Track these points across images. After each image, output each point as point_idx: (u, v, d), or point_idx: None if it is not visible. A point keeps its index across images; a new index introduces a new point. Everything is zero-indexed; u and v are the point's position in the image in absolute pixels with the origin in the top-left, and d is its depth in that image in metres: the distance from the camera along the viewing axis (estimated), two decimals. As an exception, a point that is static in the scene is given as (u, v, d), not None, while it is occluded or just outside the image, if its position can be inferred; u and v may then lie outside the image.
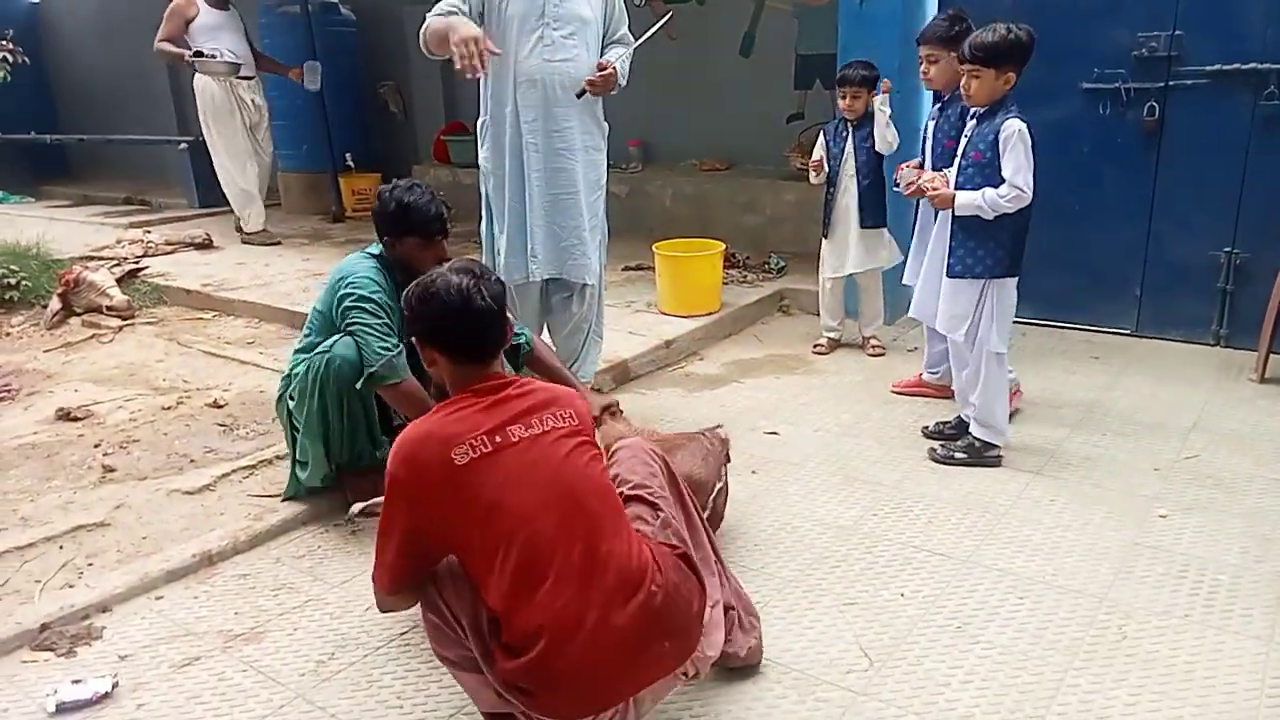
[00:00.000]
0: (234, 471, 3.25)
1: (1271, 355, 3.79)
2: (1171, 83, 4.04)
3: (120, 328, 5.08)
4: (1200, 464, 3.12)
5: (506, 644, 1.70)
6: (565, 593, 1.67)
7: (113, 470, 3.30)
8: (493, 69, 3.25)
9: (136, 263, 5.96)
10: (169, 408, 3.91)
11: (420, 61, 7.82)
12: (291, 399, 2.86)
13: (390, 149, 8.19)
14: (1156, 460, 3.16)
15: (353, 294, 2.71)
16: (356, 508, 2.35)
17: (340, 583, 2.59)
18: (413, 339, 1.89)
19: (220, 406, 3.94)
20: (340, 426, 2.83)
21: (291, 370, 2.89)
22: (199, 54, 6.34)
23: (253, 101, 6.60)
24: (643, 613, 1.71)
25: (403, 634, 2.33)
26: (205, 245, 6.70)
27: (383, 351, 2.66)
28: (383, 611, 1.91)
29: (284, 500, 2.99)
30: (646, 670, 1.74)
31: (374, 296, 2.70)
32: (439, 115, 7.82)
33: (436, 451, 1.70)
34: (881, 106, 3.96)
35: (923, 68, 3.46)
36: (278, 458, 3.33)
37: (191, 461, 3.40)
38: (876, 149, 4.02)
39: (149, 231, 6.96)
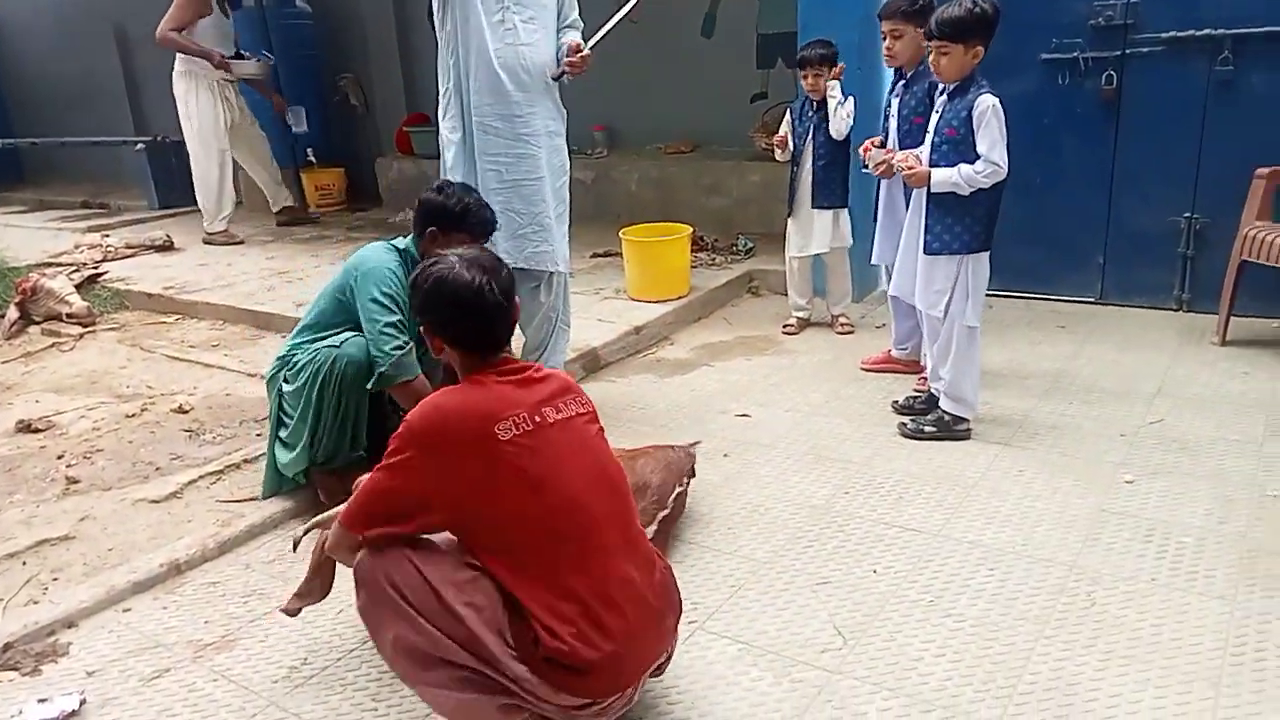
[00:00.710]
0: (201, 478, 3.21)
1: (1232, 318, 3.84)
2: (1128, 51, 4.06)
3: (81, 335, 4.99)
4: (1165, 428, 3.15)
5: (547, 626, 1.68)
6: (612, 568, 1.75)
7: (76, 481, 3.25)
8: (458, 46, 3.24)
9: (95, 268, 5.87)
10: (133, 415, 3.85)
11: (380, 53, 7.76)
12: (287, 382, 2.86)
13: (352, 142, 8.09)
14: (1122, 426, 3.19)
15: (368, 287, 2.74)
16: (299, 531, 2.29)
17: (312, 585, 2.56)
18: (421, 323, 1.89)
19: (185, 412, 3.88)
20: (331, 423, 2.83)
21: (289, 353, 2.89)
22: (239, 55, 6.60)
23: (235, 101, 6.62)
24: (661, 588, 1.85)
25: (376, 634, 2.31)
26: (166, 247, 6.60)
27: (393, 352, 2.68)
28: (330, 552, 1.93)
29: (265, 497, 2.98)
30: (659, 642, 1.84)
31: (391, 291, 2.72)
32: (400, 107, 7.72)
33: (478, 424, 1.70)
34: (832, 92, 3.95)
35: (886, 44, 3.45)
36: (245, 461, 3.30)
37: (157, 469, 3.35)
38: (831, 133, 4.02)
39: (107, 235, 6.86)
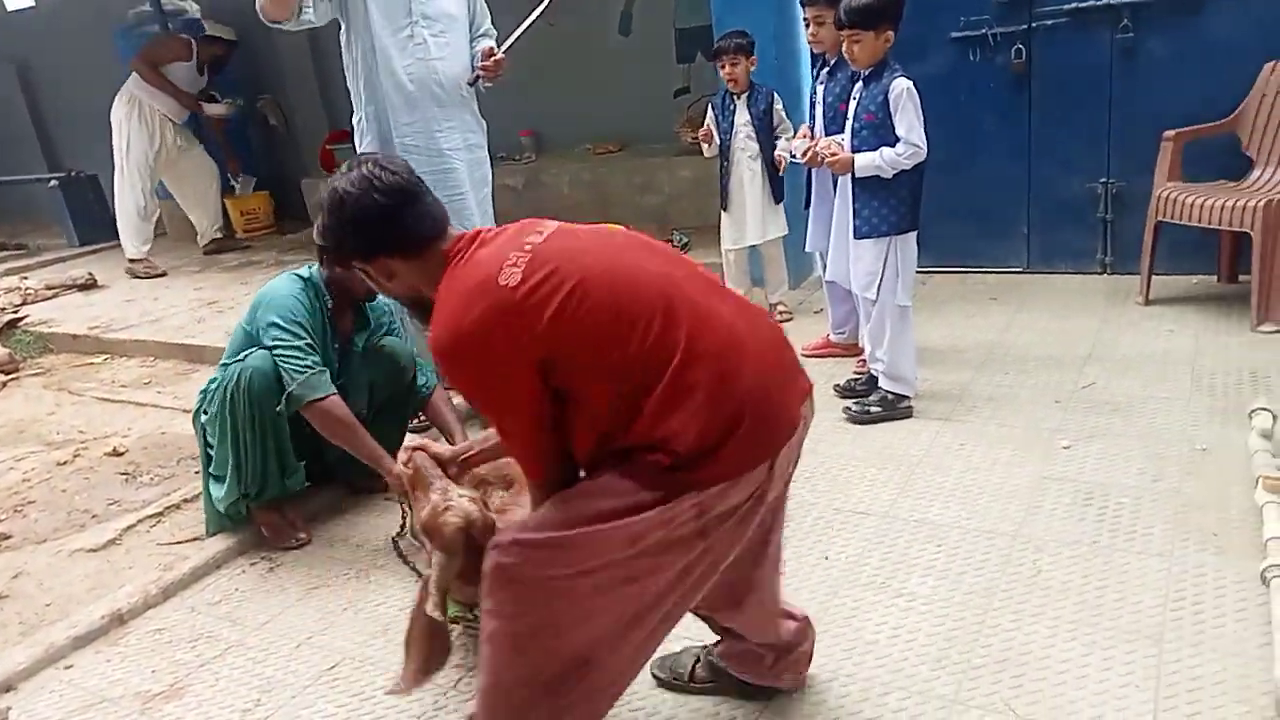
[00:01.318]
0: (140, 522, 3.13)
1: (1153, 278, 3.95)
2: (1034, 24, 4.15)
3: (4, 383, 4.83)
4: (1097, 391, 3.23)
5: (671, 450, 1.45)
6: (720, 322, 1.52)
7: (8, 537, 3.15)
8: (366, 69, 3.18)
9: (15, 312, 5.68)
10: (65, 462, 3.74)
11: (296, 72, 7.60)
12: (204, 414, 2.81)
13: (275, 164, 7.92)
14: (1057, 393, 3.27)
15: (272, 316, 2.68)
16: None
17: (261, 624, 2.50)
18: (359, 266, 1.71)
19: (120, 454, 3.78)
20: (251, 444, 2.73)
21: (207, 386, 2.84)
22: (212, 98, 6.76)
23: (172, 137, 6.57)
24: (778, 335, 1.64)
25: (331, 669, 2.27)
26: (89, 285, 6.42)
27: (302, 369, 2.62)
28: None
29: (210, 535, 2.91)
30: (795, 399, 1.59)
31: (296, 318, 2.67)
32: (321, 125, 7.58)
33: (480, 291, 1.47)
34: (784, 136, 3.97)
35: (810, 30, 3.46)
36: (185, 501, 3.22)
37: (94, 517, 3.26)
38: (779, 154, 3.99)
39: (25, 278, 6.65)
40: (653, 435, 1.46)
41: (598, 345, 1.47)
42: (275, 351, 2.65)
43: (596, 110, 6.50)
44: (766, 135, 4.04)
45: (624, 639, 1.54)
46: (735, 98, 4.05)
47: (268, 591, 2.66)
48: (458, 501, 1.89)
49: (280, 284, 2.77)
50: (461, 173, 3.32)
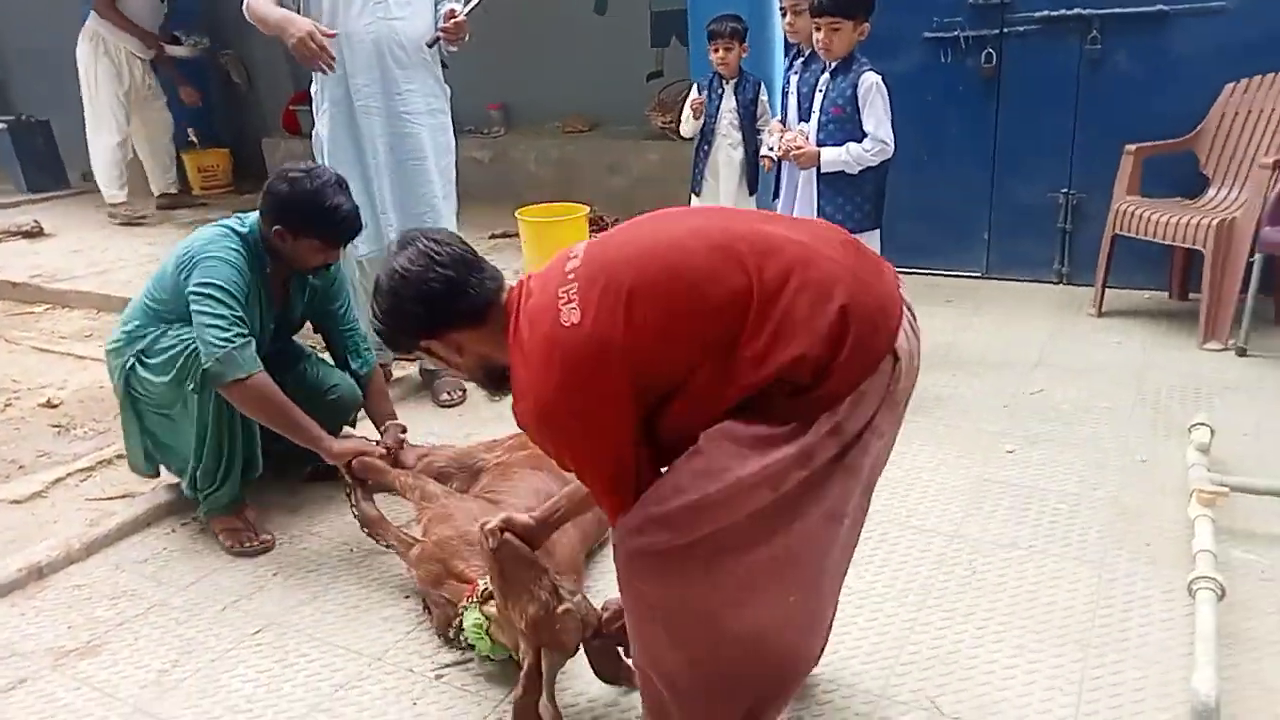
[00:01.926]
0: (69, 475, 3.04)
1: (1107, 290, 4.00)
2: (1006, 29, 4.17)
3: (-63, 328, 4.66)
4: (1043, 398, 3.27)
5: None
6: (781, 241, 1.44)
7: (-73, 485, 3.03)
8: (324, 25, 3.06)
9: (-46, 256, 5.47)
10: (-6, 411, 3.62)
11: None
12: (141, 363, 2.50)
13: (236, 122, 7.74)
14: (1004, 397, 3.29)
15: (201, 279, 2.37)
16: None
17: (187, 585, 2.44)
18: (423, 346, 1.63)
19: (54, 406, 3.66)
20: (216, 448, 2.50)
21: (142, 329, 2.53)
22: (174, 39, 6.49)
23: (141, 76, 6.34)
24: (844, 235, 1.56)
25: (255, 633, 2.22)
26: (35, 233, 6.20)
27: (222, 343, 2.31)
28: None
29: (151, 475, 2.76)
30: (889, 284, 1.48)
31: (226, 285, 2.37)
32: (285, 84, 7.41)
33: (546, 346, 1.42)
34: (770, 136, 3.72)
35: (787, 20, 3.41)
36: (119, 457, 3.11)
37: (21, 468, 3.16)
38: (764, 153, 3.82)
39: (-33, 222, 6.40)
40: (761, 377, 1.38)
41: (676, 326, 1.39)
42: (195, 318, 2.37)
43: (568, 88, 6.43)
44: (750, 125, 3.92)
45: (793, 606, 1.49)
46: (724, 82, 3.90)
47: (197, 552, 2.60)
48: (572, 601, 1.76)
49: (209, 241, 2.46)
50: (422, 137, 3.24)
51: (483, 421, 3.31)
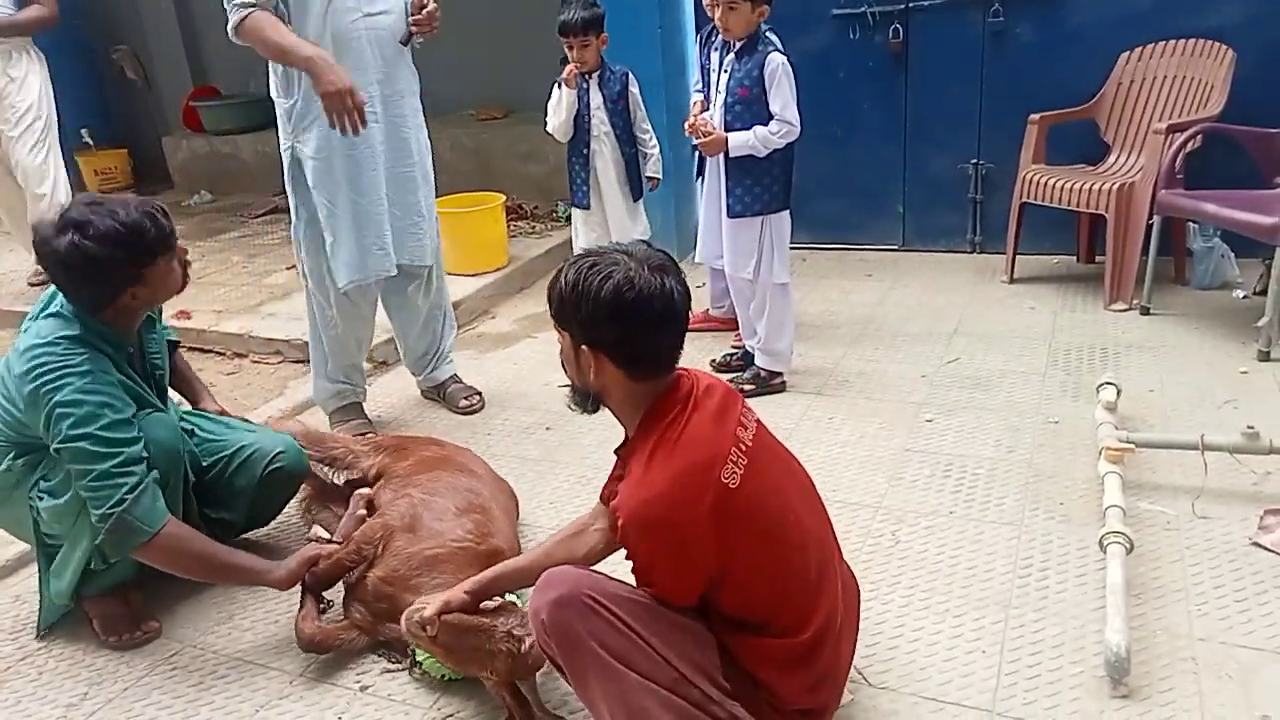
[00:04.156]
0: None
1: (1018, 257, 4.10)
2: (911, 4, 4.21)
3: None
4: (961, 366, 3.33)
5: (778, 695, 1.59)
6: (835, 594, 1.65)
7: None
8: (294, 27, 2.71)
9: None
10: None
11: (157, 21, 7.11)
12: (40, 497, 2.09)
13: (133, 120, 7.42)
14: (924, 367, 3.35)
15: (67, 432, 1.92)
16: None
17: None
18: (583, 344, 1.55)
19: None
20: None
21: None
22: None
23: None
24: (855, 602, 1.80)
25: (170, 657, 2.14)
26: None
27: (113, 506, 1.92)
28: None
29: (41, 635, 2.27)
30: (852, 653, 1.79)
31: (95, 427, 1.93)
32: (185, 80, 7.13)
33: (702, 480, 1.47)
34: (649, 144, 3.66)
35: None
36: (17, 481, 2.97)
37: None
38: (649, 173, 3.69)
39: None
40: (756, 669, 1.57)
41: (760, 577, 1.54)
42: (75, 482, 1.98)
43: (480, 74, 6.31)
44: (623, 124, 3.58)
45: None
46: (586, 78, 3.55)
47: (105, 576, 2.48)
48: (528, 630, 1.70)
49: (49, 358, 1.96)
50: (411, 142, 3.01)
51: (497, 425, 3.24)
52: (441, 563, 2.01)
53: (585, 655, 1.48)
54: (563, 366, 1.67)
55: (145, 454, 2.00)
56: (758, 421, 1.65)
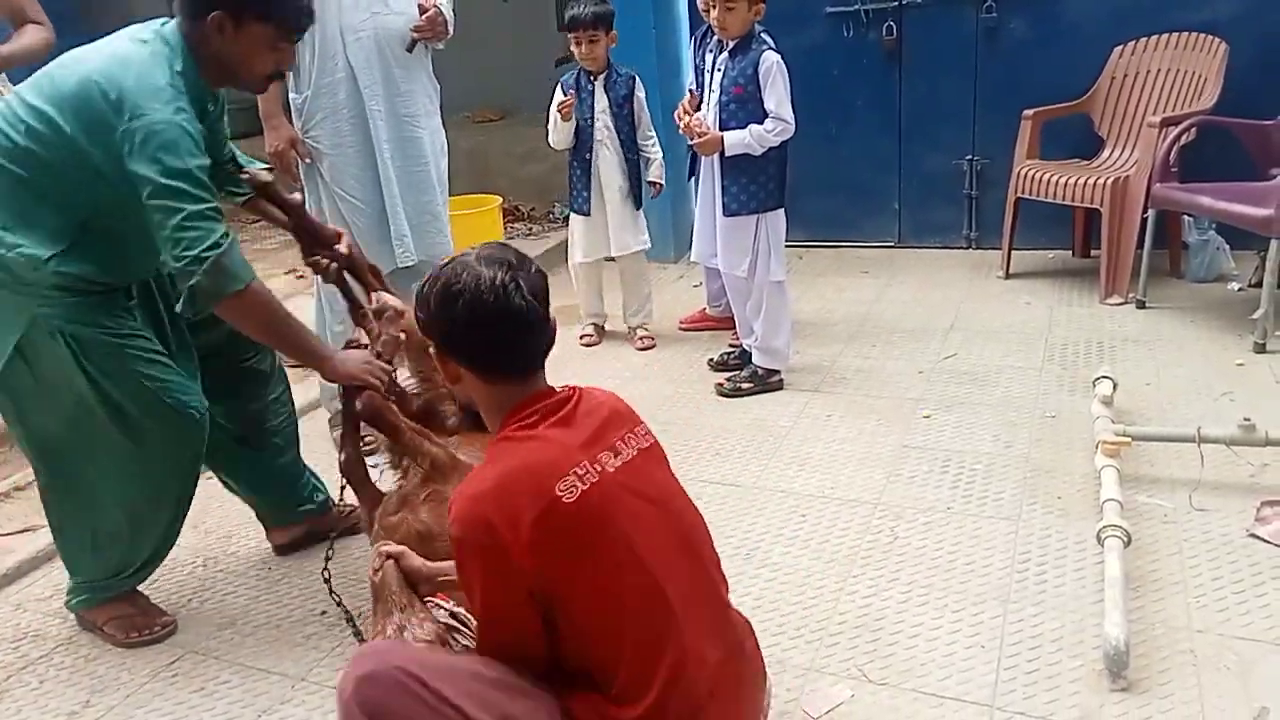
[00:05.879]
0: (-37, 513, 2.88)
1: (1013, 252, 4.10)
2: (904, 1, 4.22)
3: None
4: (957, 362, 3.34)
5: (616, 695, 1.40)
6: (695, 660, 1.42)
7: None
8: (314, 34, 2.70)
9: None
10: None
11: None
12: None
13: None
14: (920, 363, 3.35)
15: (158, 159, 1.78)
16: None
17: (96, 619, 2.34)
18: (440, 349, 1.50)
19: (-55, 440, 3.47)
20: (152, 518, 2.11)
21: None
22: None
23: None
24: (752, 662, 1.57)
25: (170, 664, 2.14)
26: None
27: (208, 252, 1.80)
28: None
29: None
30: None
31: (193, 164, 1.81)
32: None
33: (532, 485, 1.35)
34: (651, 150, 3.63)
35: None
36: (16, 489, 2.98)
37: (-89, 508, 2.98)
38: (652, 178, 3.65)
39: None
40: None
41: (593, 614, 1.39)
42: (161, 217, 1.81)
43: (476, 77, 6.32)
44: (627, 129, 3.53)
45: None
46: (592, 79, 3.51)
47: (105, 583, 2.49)
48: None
49: (143, 85, 1.81)
50: (424, 141, 3.03)
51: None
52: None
53: None
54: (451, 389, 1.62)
55: None
56: (661, 463, 1.54)
